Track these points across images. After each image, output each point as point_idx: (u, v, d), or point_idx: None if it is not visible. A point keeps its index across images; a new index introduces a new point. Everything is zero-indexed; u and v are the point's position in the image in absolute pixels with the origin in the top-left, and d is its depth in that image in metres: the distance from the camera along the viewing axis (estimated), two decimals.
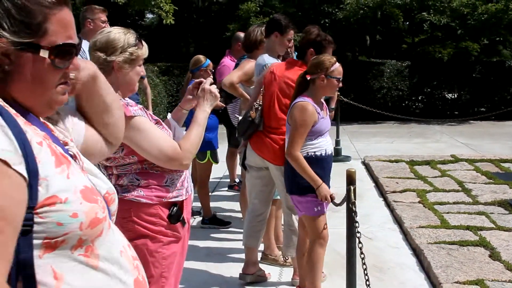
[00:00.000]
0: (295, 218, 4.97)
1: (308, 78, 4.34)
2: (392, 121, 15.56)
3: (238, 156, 7.40)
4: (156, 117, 3.05)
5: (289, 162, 4.33)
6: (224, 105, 6.89)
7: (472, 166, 9.41)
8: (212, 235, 6.54)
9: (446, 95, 17.28)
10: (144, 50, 2.95)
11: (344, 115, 15.15)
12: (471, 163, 9.62)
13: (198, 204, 7.07)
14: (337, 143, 10.88)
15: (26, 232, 1.37)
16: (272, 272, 5.31)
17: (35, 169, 1.39)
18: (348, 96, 15.30)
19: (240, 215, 6.71)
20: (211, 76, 6.60)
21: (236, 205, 7.17)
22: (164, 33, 21.72)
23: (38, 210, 1.40)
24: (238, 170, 7.79)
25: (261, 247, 5.56)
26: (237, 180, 8.38)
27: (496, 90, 16.76)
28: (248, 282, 5.11)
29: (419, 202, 7.33)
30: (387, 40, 21.62)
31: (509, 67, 16.90)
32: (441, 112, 16.73)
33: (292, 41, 6.02)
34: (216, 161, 7.01)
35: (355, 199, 3.78)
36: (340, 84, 4.36)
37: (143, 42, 2.98)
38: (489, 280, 4.84)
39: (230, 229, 6.72)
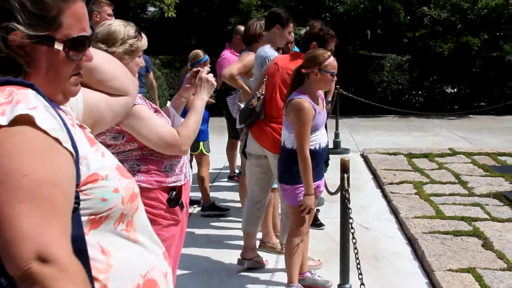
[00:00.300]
0: None
1: (303, 72, 4.40)
2: (392, 115, 15.66)
3: (238, 148, 7.55)
4: (155, 106, 3.19)
5: (284, 153, 4.45)
6: (214, 101, 7.05)
7: (469, 159, 9.52)
8: (211, 223, 6.67)
9: (446, 89, 17.37)
10: (143, 42, 3.09)
11: (344, 109, 15.25)
12: (468, 156, 9.73)
13: (198, 194, 7.21)
14: (336, 135, 10.99)
15: (75, 209, 1.43)
16: (270, 259, 5.44)
17: (76, 148, 1.46)
18: (348, 89, 15.39)
19: (239, 204, 6.83)
20: (209, 65, 6.75)
21: (235, 195, 7.30)
22: (166, 26, 21.81)
23: (82, 188, 1.47)
24: (238, 161, 7.92)
25: (259, 235, 5.69)
26: (236, 171, 8.50)
27: (496, 84, 16.85)
28: (246, 268, 5.24)
29: (415, 193, 7.45)
30: (388, 34, 21.68)
31: (509, 62, 17.00)
32: (441, 106, 16.82)
33: (292, 34, 6.16)
34: (208, 151, 7.12)
35: (348, 187, 3.90)
36: (335, 79, 4.40)
37: (143, 34, 3.11)
38: (480, 268, 4.96)
39: (229, 218, 6.84)
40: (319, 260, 5.35)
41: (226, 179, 8.71)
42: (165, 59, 17.32)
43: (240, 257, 5.28)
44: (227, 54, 7.73)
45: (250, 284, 4.97)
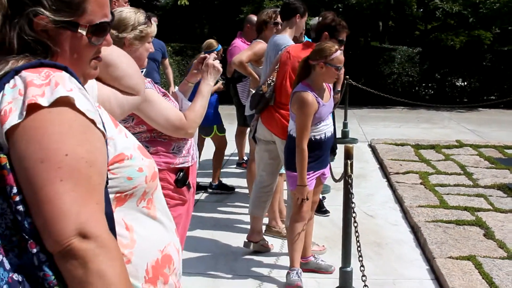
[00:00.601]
0: None
1: (310, 64, 4.47)
2: (401, 106, 15.72)
3: (246, 135, 7.71)
4: (163, 90, 3.33)
5: (290, 141, 4.56)
6: (224, 88, 7.29)
7: (476, 151, 9.60)
8: (219, 208, 6.81)
9: (456, 82, 17.39)
10: (153, 28, 3.24)
11: (354, 99, 15.29)
12: (475, 149, 9.81)
13: (206, 179, 7.38)
14: (345, 125, 11.09)
15: (105, 187, 1.48)
16: (275, 244, 5.57)
17: (105, 128, 1.51)
18: (358, 80, 15.45)
19: (247, 190, 6.97)
20: (222, 55, 6.95)
21: (243, 182, 7.42)
22: (179, 14, 21.88)
23: (110, 167, 1.53)
24: (247, 148, 8.06)
25: (265, 220, 5.83)
26: (245, 158, 8.63)
27: (506, 78, 16.84)
28: (252, 251, 5.38)
29: (420, 183, 7.55)
30: (400, 26, 21.70)
31: None
32: (451, 99, 16.85)
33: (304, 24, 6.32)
34: (223, 132, 7.52)
35: (352, 173, 4.02)
36: (341, 72, 4.48)
37: (152, 21, 3.25)
38: (480, 256, 5.08)
39: (237, 203, 6.98)
40: (323, 245, 5.48)
41: (234, 166, 8.84)
42: (177, 47, 17.44)
43: (246, 240, 5.42)
44: (238, 42, 7.84)
45: (255, 267, 5.11)
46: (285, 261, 5.11)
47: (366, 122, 13.60)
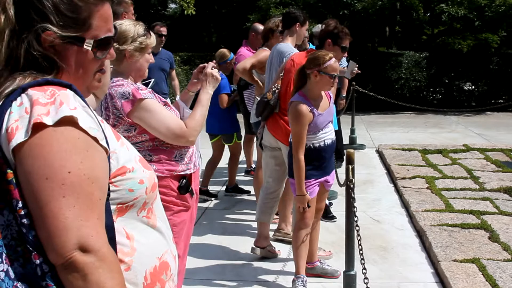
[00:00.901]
0: None
1: (306, 73, 4.51)
2: (409, 111, 15.76)
3: (254, 142, 7.86)
4: (164, 99, 3.44)
5: (291, 149, 4.62)
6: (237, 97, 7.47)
7: (482, 155, 9.64)
8: (227, 215, 6.90)
9: (464, 86, 17.42)
10: (152, 40, 3.37)
11: (362, 105, 15.41)
12: (482, 152, 9.85)
13: (215, 188, 7.49)
14: (352, 131, 11.16)
15: (106, 200, 1.56)
16: (283, 250, 5.65)
17: (108, 143, 1.58)
18: (366, 86, 15.52)
19: (255, 198, 7.04)
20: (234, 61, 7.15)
21: (251, 189, 7.51)
22: (187, 23, 22.03)
23: (112, 180, 1.60)
24: (254, 156, 8.16)
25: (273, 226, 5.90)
26: (253, 165, 8.71)
27: None
28: (259, 257, 5.46)
29: (427, 188, 7.61)
30: (407, 31, 21.75)
31: None
32: (459, 103, 16.88)
33: (307, 31, 6.42)
34: (240, 139, 7.84)
35: (353, 178, 4.09)
36: (335, 81, 4.45)
37: (151, 33, 3.37)
38: (485, 259, 5.12)
39: (245, 210, 7.06)
40: (329, 251, 5.54)
41: (243, 174, 8.92)
42: (185, 56, 17.57)
43: (253, 245, 5.50)
44: (243, 51, 7.94)
45: (262, 273, 5.18)
46: (292, 267, 5.16)
47: (373, 127, 13.65)
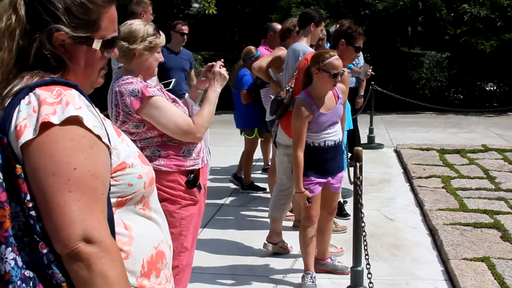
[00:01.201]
0: None
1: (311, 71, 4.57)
2: (430, 111, 15.71)
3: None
4: (173, 96, 3.55)
5: None
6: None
7: (501, 156, 9.61)
8: (242, 212, 6.99)
9: (486, 87, 17.32)
10: (161, 39, 3.49)
11: (383, 105, 15.41)
12: (500, 153, 9.82)
13: (232, 185, 7.59)
14: (371, 131, 11.17)
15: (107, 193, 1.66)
16: (294, 246, 5.71)
17: (109, 140, 1.68)
18: (387, 86, 15.51)
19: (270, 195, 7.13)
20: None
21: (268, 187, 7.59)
22: (210, 23, 22.14)
23: (113, 175, 1.69)
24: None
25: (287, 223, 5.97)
26: (270, 163, 8.79)
27: None
28: (271, 253, 5.54)
29: (442, 187, 7.63)
30: (429, 31, 21.65)
31: None
32: (480, 103, 16.77)
33: (324, 31, 6.49)
34: (263, 136, 7.91)
35: (361, 175, 4.15)
36: (338, 79, 4.46)
37: (160, 32, 3.48)
38: (495, 258, 5.16)
39: (260, 207, 7.14)
40: (341, 248, 5.60)
41: (260, 171, 9.01)
42: (206, 55, 17.67)
43: (265, 241, 5.58)
44: (261, 50, 8.02)
45: (273, 269, 5.27)
46: (302, 263, 5.25)
47: (393, 127, 13.64)
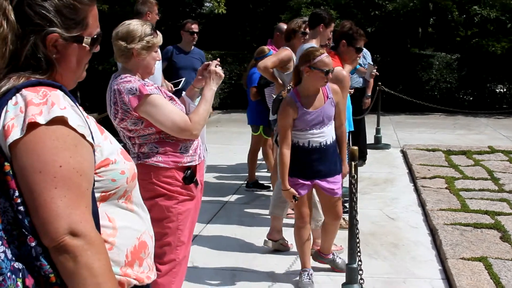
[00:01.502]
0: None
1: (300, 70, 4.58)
2: (439, 112, 15.71)
3: None
4: (170, 94, 3.66)
5: None
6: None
7: (507, 157, 9.63)
8: (246, 210, 7.07)
9: (496, 88, 17.28)
10: (158, 39, 3.60)
11: (392, 105, 15.42)
12: (506, 154, 9.83)
13: (237, 182, 7.64)
14: (378, 131, 11.21)
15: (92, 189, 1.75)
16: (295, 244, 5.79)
17: (93, 138, 1.76)
18: (396, 87, 15.54)
19: None
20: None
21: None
22: (222, 22, 22.22)
23: (97, 171, 1.78)
24: None
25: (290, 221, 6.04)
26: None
27: None
28: (272, 250, 5.62)
29: (446, 188, 7.67)
30: (440, 32, 21.62)
31: None
32: (490, 105, 16.74)
33: (332, 33, 6.56)
34: (268, 136, 7.87)
35: (356, 174, 4.22)
36: (329, 76, 4.46)
37: (158, 32, 3.58)
38: (492, 258, 5.20)
39: (264, 205, 7.18)
40: (341, 245, 5.66)
41: (266, 169, 9.07)
42: (217, 54, 17.74)
43: (266, 238, 5.65)
44: None
45: (273, 265, 5.34)
46: None
47: (401, 128, 13.67)
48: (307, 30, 6.41)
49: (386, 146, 11.03)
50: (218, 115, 16.14)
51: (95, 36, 1.86)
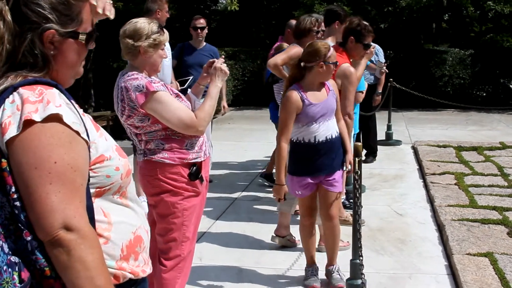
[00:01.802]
0: None
1: (304, 66, 4.51)
2: (452, 109, 15.67)
3: None
4: (176, 91, 3.72)
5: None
6: None
7: None
8: (255, 206, 7.14)
9: (509, 84, 17.17)
10: (165, 36, 3.67)
11: (405, 102, 15.39)
12: None
13: (246, 178, 7.71)
14: (389, 127, 11.20)
15: (87, 184, 1.80)
16: None
17: (88, 135, 1.81)
18: (409, 83, 15.51)
19: None
20: None
21: None
22: (237, 19, 22.27)
23: (92, 167, 1.82)
24: None
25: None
26: None
27: None
28: (279, 246, 5.67)
29: (455, 184, 7.68)
30: (454, 28, 21.53)
31: None
32: (503, 101, 16.64)
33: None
34: None
35: (360, 170, 4.26)
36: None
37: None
38: (498, 254, 5.22)
39: (273, 202, 7.20)
40: (347, 241, 5.69)
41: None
42: (230, 51, 17.80)
43: (273, 234, 5.71)
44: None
45: (280, 261, 5.40)
46: None
47: (413, 124, 13.64)
48: (321, 28, 6.39)
49: (397, 143, 11.03)
50: (231, 112, 16.20)
51: (90, 32, 1.91)
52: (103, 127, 1.97)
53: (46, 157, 1.69)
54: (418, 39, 19.84)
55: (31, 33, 1.79)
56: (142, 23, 3.61)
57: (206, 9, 24.68)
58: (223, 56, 3.93)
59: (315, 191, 4.69)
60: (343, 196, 6.63)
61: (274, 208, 6.90)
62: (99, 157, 1.87)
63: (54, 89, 1.79)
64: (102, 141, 1.91)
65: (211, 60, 3.93)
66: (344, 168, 4.70)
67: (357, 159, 4.30)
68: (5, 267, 1.65)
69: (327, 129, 4.54)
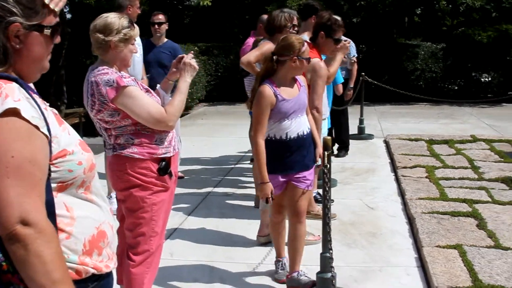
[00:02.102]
0: None
1: (276, 59, 4.41)
2: (425, 102, 15.80)
3: None
4: (146, 87, 3.74)
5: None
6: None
7: (488, 146, 9.71)
8: (228, 201, 7.13)
9: (481, 78, 17.37)
10: (136, 31, 3.67)
11: (378, 96, 15.52)
12: (488, 143, 9.92)
13: (219, 173, 7.68)
14: (361, 121, 11.25)
15: (47, 179, 1.80)
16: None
17: (49, 129, 1.81)
18: (382, 77, 15.61)
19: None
20: None
21: None
22: (210, 14, 22.22)
23: (53, 161, 1.83)
24: None
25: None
26: None
27: None
28: (251, 242, 5.68)
29: (426, 177, 7.74)
30: (426, 22, 21.70)
31: None
32: (475, 94, 16.84)
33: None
34: None
35: (329, 163, 4.28)
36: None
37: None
38: (467, 245, 5.28)
39: (244, 197, 7.25)
40: (318, 235, 5.71)
41: (248, 162, 9.11)
42: (203, 46, 17.77)
43: (257, 235, 5.72)
44: (251, 41, 8.07)
45: (253, 256, 5.40)
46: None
47: (386, 118, 13.74)
48: (294, 22, 6.32)
49: (369, 137, 11.09)
50: (204, 107, 16.19)
51: (55, 25, 1.91)
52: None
53: (3, 151, 1.69)
54: (390, 33, 19.97)
55: None
56: (112, 18, 3.61)
57: (179, 5, 24.59)
58: (192, 52, 3.93)
59: (285, 188, 4.60)
60: (315, 190, 6.66)
61: (246, 203, 6.94)
62: (61, 152, 1.86)
63: (14, 83, 1.79)
64: (64, 135, 1.91)
65: (180, 55, 3.93)
66: (314, 162, 4.69)
67: (326, 152, 4.31)
68: None
69: (299, 125, 4.46)
